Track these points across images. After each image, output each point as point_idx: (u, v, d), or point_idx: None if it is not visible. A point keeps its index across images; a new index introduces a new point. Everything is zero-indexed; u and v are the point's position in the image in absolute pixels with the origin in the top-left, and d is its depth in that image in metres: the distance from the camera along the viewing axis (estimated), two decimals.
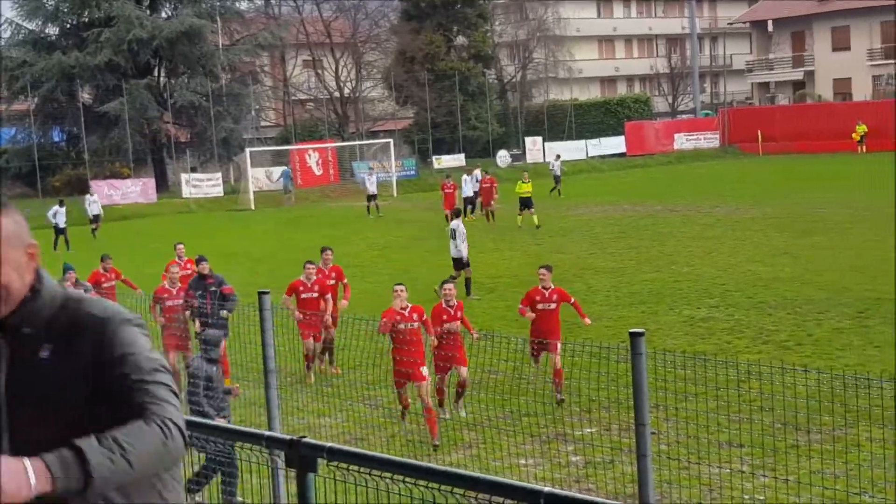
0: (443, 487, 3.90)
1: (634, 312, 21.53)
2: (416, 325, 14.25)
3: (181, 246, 21.78)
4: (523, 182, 39.74)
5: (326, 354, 18.12)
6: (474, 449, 13.25)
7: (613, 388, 13.60)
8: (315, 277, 17.97)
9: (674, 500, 10.86)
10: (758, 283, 24.22)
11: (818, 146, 68.67)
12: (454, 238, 25.23)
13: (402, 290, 14.40)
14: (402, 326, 14.17)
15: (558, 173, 51.28)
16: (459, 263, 25.19)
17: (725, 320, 20.49)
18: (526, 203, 38.80)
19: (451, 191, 40.38)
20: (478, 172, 44.11)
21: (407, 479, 4.10)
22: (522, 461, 12.77)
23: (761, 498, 11.13)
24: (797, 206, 40.10)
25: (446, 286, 15.11)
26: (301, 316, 17.39)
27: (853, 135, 67.66)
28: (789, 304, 21.59)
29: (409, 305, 14.44)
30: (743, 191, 47.65)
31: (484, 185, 40.99)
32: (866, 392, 12.10)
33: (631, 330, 5.31)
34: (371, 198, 47.39)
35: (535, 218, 38.07)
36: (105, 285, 20.74)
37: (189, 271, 20.22)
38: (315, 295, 17.79)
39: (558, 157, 55.90)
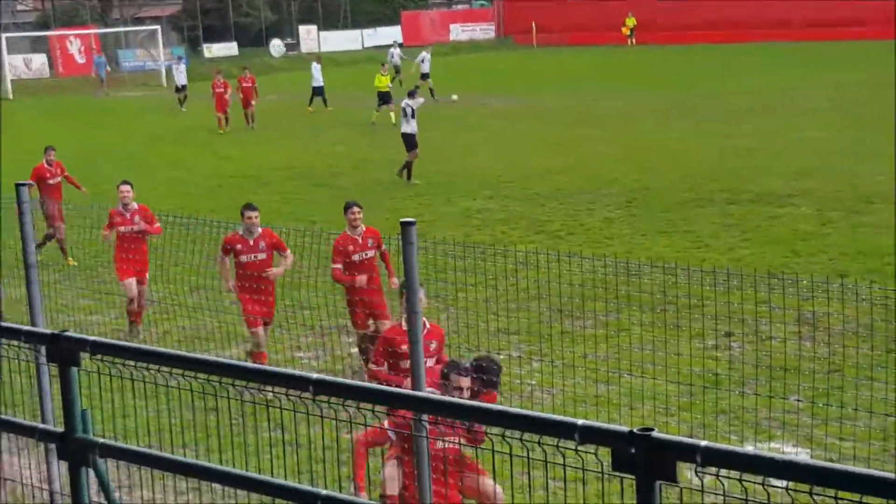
0: (211, 379, 3.81)
1: (412, 204, 21.67)
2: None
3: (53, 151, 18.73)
4: (382, 75, 37.64)
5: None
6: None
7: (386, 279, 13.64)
8: (259, 230, 12.42)
9: None
10: (532, 174, 24.72)
11: (590, 38, 70.20)
12: (405, 115, 24.76)
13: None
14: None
15: (427, 70, 44.98)
16: (409, 141, 24.67)
17: (500, 211, 20.87)
18: (384, 98, 36.38)
19: (221, 90, 36.58)
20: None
21: (176, 371, 3.99)
22: (301, 354, 12.75)
23: (532, 382, 11.47)
24: (570, 97, 40.99)
25: (353, 209, 12.16)
26: (232, 289, 12.55)
27: (623, 28, 69.47)
28: (561, 194, 22.15)
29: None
30: (518, 82, 48.35)
31: (244, 85, 36.98)
32: (627, 278, 12.60)
33: (402, 220, 5.28)
34: (180, 89, 44.68)
35: (392, 115, 35.23)
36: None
37: (59, 178, 18.31)
38: (263, 256, 12.36)
39: (429, 50, 51.69)
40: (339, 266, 12.05)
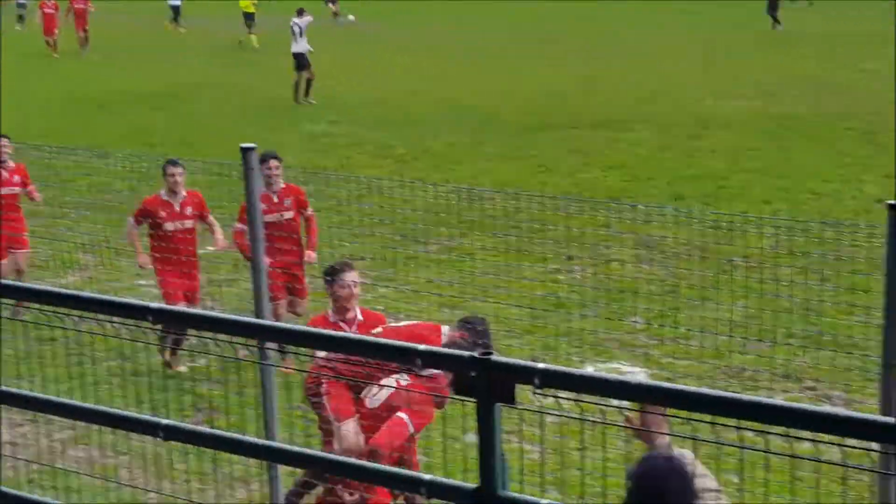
0: (45, 309, 3.71)
1: (256, 129, 21.34)
2: None
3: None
4: None
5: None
6: (90, 271, 12.82)
7: (227, 205, 13.46)
8: (184, 192, 10.23)
9: None
10: (378, 99, 24.61)
11: None
12: (294, 35, 24.39)
13: None
14: None
15: None
16: (300, 60, 24.15)
17: (346, 136, 20.74)
18: (250, 19, 35.69)
19: (51, 11, 34.37)
20: None
21: (8, 302, 3.86)
22: (143, 282, 12.51)
23: (381, 307, 11.52)
24: (413, 22, 40.79)
25: (269, 162, 10.10)
26: (145, 262, 10.31)
27: None
28: (407, 119, 22.11)
29: None
30: (373, 9, 47.88)
31: (77, 6, 34.70)
32: (471, 203, 12.71)
33: (242, 145, 5.19)
34: (20, 5, 42.35)
35: (253, 38, 35.06)
36: None
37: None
38: (190, 224, 10.22)
39: None
40: (242, 227, 9.50)
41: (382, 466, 3.12)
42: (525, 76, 27.62)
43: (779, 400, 2.69)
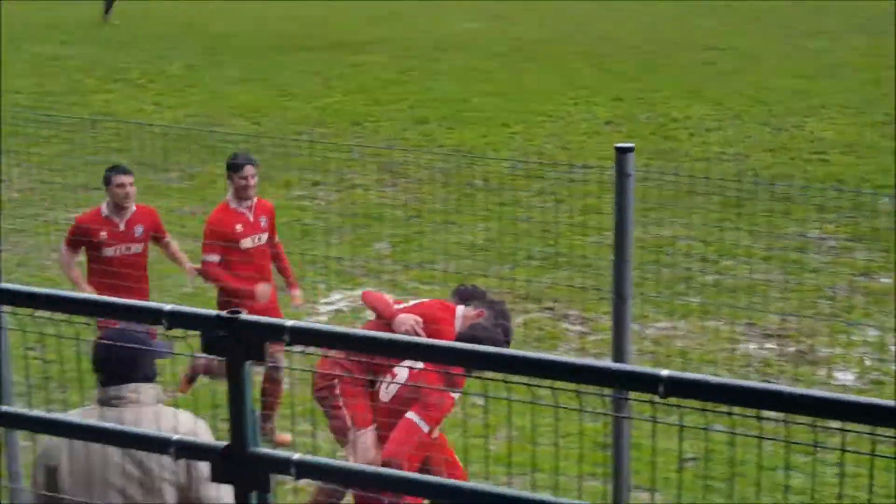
0: None
1: None
2: None
3: None
4: None
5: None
6: None
7: None
8: (134, 207, 7.80)
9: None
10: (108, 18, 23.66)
11: None
12: None
13: None
14: None
15: None
16: None
17: (75, 58, 19.87)
18: None
19: None
20: None
21: None
22: None
23: None
24: None
25: (245, 168, 7.67)
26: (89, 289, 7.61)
27: None
28: (138, 39, 21.38)
29: None
30: None
31: None
32: (212, 129, 12.48)
33: None
34: None
35: None
36: None
37: None
38: (139, 248, 7.86)
39: None
40: (215, 258, 7.60)
41: (129, 429, 3.06)
42: None
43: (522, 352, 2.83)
